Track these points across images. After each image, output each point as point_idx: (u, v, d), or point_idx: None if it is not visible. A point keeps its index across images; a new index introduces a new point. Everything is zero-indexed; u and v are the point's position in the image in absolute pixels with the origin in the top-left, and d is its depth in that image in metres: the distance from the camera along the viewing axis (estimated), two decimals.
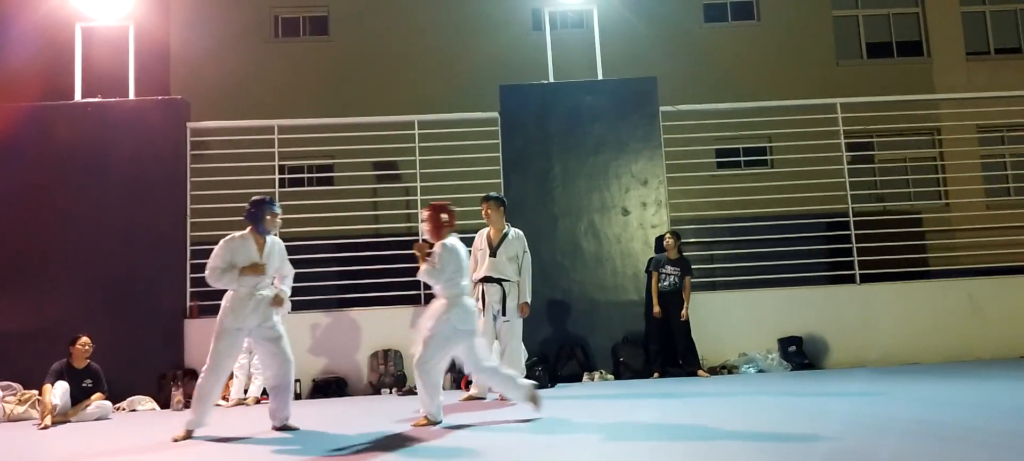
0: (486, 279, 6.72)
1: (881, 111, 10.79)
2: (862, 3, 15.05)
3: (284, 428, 5.23)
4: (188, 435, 4.99)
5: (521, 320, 6.86)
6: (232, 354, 5.23)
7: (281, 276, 5.44)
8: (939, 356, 8.62)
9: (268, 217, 5.27)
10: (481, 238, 6.90)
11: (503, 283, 6.73)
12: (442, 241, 5.17)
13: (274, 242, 5.35)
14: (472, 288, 6.66)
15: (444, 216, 5.27)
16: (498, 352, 6.67)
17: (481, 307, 6.63)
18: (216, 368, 5.12)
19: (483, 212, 6.94)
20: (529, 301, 6.90)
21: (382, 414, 5.92)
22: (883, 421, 4.27)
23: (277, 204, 5.37)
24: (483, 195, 7.12)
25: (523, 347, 6.99)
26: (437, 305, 5.14)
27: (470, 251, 5.20)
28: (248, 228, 5.29)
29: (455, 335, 5.07)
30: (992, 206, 11.84)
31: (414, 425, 5.01)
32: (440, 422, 5.02)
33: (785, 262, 9.16)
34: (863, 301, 8.91)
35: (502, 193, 8.99)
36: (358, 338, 8.58)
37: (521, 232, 6.99)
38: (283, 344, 5.27)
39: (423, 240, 5.34)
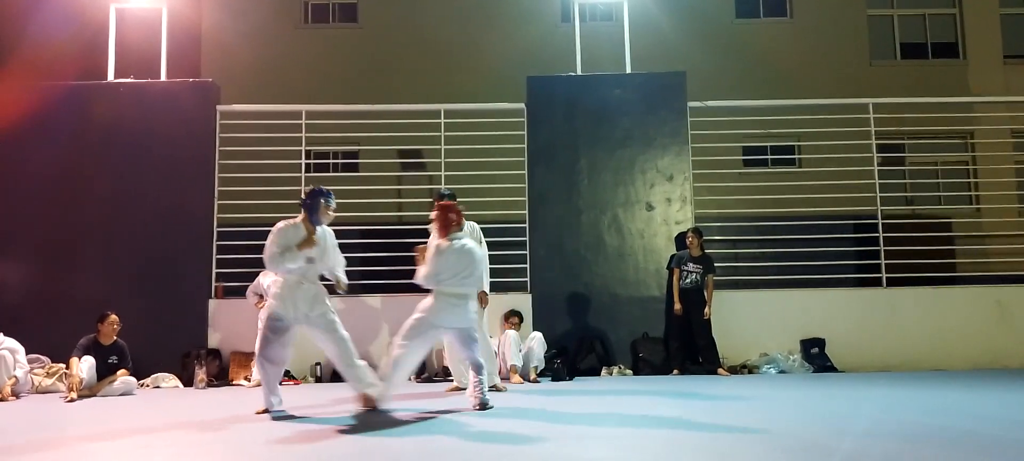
0: None
1: (914, 113, 10.62)
2: (897, 3, 14.77)
3: (367, 403, 5.24)
4: (267, 411, 5.19)
5: (483, 310, 6.87)
6: (280, 341, 5.26)
7: (333, 265, 5.50)
8: (965, 363, 8.49)
9: (322, 207, 5.31)
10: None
11: None
12: (437, 241, 5.37)
13: (325, 231, 5.40)
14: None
15: (453, 216, 5.48)
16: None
17: None
18: (266, 356, 5.21)
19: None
20: (487, 290, 6.90)
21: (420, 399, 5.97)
22: (905, 428, 4.21)
23: (333, 197, 5.40)
24: (436, 193, 7.12)
25: (488, 337, 7.00)
26: (427, 298, 5.39)
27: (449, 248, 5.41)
28: (301, 215, 5.34)
29: (431, 329, 5.33)
30: None
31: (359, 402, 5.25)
32: (384, 408, 5.18)
33: (810, 263, 9.07)
34: (889, 305, 8.80)
35: (526, 185, 9.01)
36: (379, 324, 8.64)
37: (475, 224, 7.03)
38: (336, 327, 5.32)
39: (421, 248, 5.52)
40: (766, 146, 13.05)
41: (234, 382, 8.27)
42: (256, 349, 5.27)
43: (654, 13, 12.61)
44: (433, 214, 5.53)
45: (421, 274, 5.34)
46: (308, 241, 5.22)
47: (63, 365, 7.32)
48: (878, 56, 14.52)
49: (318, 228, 5.33)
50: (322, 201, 5.31)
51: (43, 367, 7.60)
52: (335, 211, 5.42)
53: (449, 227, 5.45)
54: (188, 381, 8.01)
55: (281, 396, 5.35)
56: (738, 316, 8.65)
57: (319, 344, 5.44)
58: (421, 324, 5.32)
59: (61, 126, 8.83)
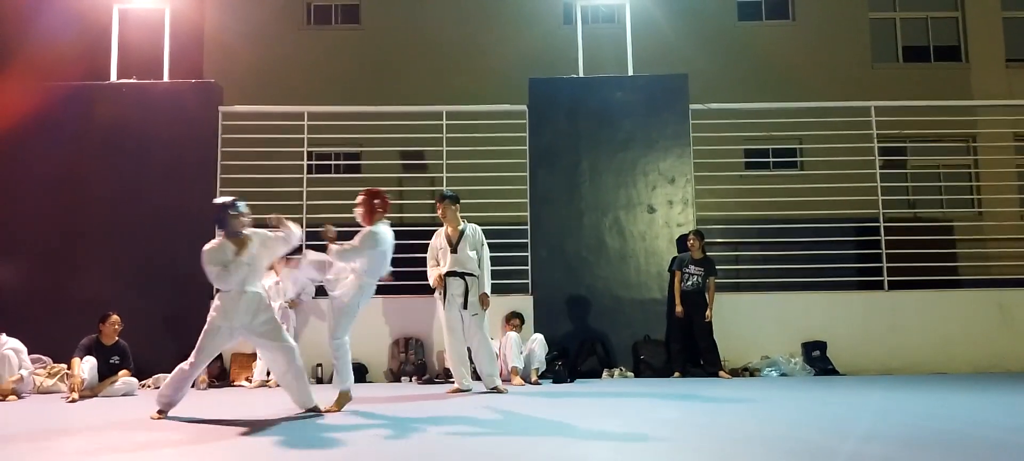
0: (450, 274, 6.77)
1: (916, 116, 10.62)
2: (899, 5, 14.78)
3: (311, 411, 5.26)
4: (162, 415, 5.13)
5: (485, 312, 6.85)
6: (215, 351, 5.28)
7: (276, 255, 5.47)
8: (967, 366, 8.49)
9: (232, 218, 5.15)
10: (439, 236, 6.95)
11: (466, 277, 6.77)
12: (370, 227, 5.43)
13: (253, 234, 5.24)
14: (437, 282, 6.80)
15: (377, 201, 5.51)
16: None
17: (443, 301, 6.77)
18: (197, 362, 5.16)
19: (439, 211, 6.92)
20: (489, 292, 6.88)
21: (414, 401, 5.97)
22: (906, 431, 4.21)
23: (239, 204, 5.20)
24: (438, 194, 7.12)
25: (489, 339, 6.98)
26: (347, 281, 5.45)
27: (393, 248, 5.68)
28: (220, 235, 5.19)
29: (356, 313, 5.55)
30: None
31: (328, 409, 5.28)
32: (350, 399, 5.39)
33: (812, 266, 9.06)
34: (890, 308, 8.79)
35: (528, 187, 9.01)
36: (380, 326, 8.64)
37: (477, 227, 7.00)
38: (281, 336, 5.25)
39: (330, 226, 5.49)
40: (768, 149, 13.06)
41: (235, 383, 8.28)
42: (193, 354, 5.16)
43: (656, 15, 12.61)
44: (359, 198, 5.55)
45: (347, 253, 5.37)
46: (242, 249, 5.12)
47: (65, 365, 7.32)
48: (880, 59, 14.52)
49: (242, 235, 5.19)
50: (229, 213, 5.15)
51: (45, 367, 7.60)
52: (247, 214, 5.23)
53: (375, 214, 5.45)
54: None
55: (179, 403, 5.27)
56: (739, 319, 8.65)
57: (261, 353, 5.36)
58: (351, 313, 5.53)
59: (63, 126, 8.85)
